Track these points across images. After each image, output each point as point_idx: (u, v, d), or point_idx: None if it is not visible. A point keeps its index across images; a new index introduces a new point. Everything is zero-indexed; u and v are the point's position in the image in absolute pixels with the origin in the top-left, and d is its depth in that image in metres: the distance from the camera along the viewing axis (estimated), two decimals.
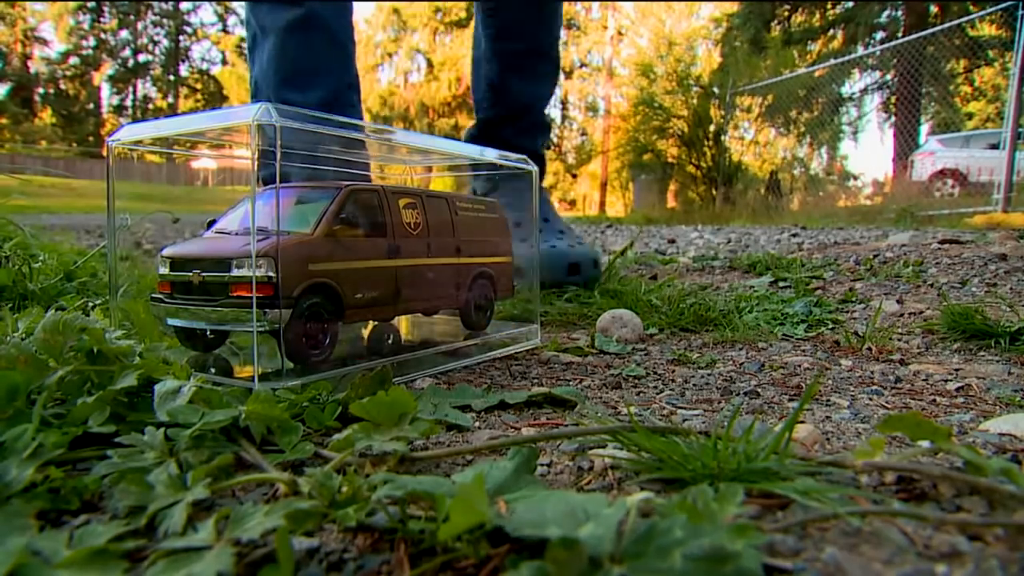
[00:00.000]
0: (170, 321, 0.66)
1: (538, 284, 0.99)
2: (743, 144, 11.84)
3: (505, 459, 0.39)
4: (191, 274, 0.63)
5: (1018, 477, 0.37)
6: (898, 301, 1.34)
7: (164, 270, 0.66)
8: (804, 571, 0.30)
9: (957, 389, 0.71)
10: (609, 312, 1.01)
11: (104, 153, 0.72)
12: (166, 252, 0.66)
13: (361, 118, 1.61)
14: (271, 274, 0.59)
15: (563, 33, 1.78)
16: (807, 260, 2.04)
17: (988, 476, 0.38)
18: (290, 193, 0.67)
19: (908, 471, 0.40)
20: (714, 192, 10.59)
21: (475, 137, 1.68)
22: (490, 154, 0.91)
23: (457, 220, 0.81)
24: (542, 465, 0.46)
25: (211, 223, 0.71)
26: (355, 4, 1.48)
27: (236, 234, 0.66)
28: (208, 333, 0.68)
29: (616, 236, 4.96)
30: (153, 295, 0.67)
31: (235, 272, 0.60)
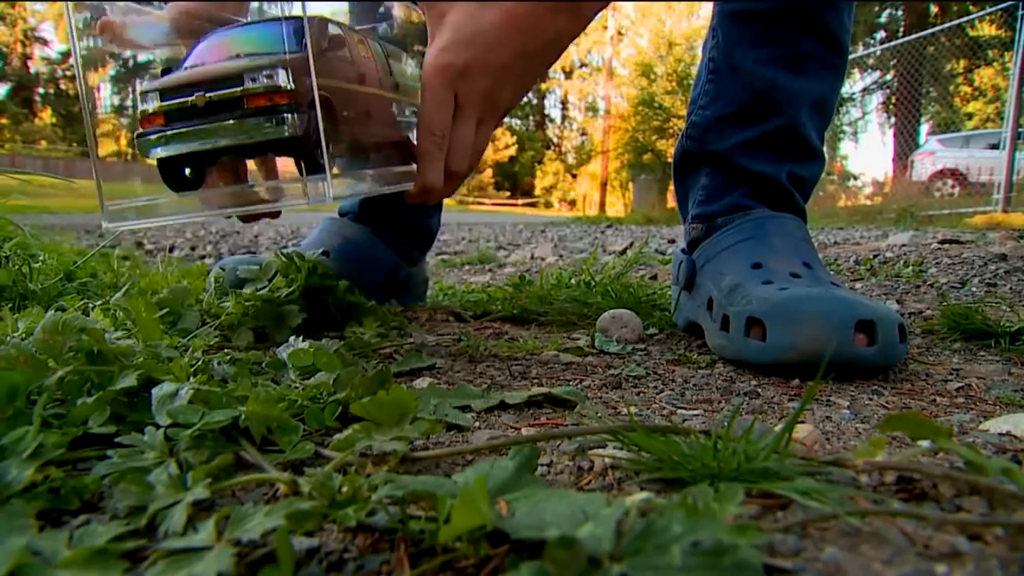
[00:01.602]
0: (161, 151, 0.66)
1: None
2: None
3: (506, 459, 0.39)
4: (193, 97, 0.63)
5: (1018, 477, 0.37)
6: (898, 301, 1.34)
7: (154, 103, 0.65)
8: (804, 571, 0.30)
9: (957, 389, 0.71)
10: (609, 312, 1.01)
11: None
12: (153, 85, 0.66)
13: None
14: (285, 83, 0.61)
15: None
16: None
17: (989, 476, 0.38)
18: (251, 27, 0.69)
19: (908, 471, 0.40)
20: None
21: (683, 155, 1.06)
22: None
23: (391, 62, 0.83)
24: (542, 465, 0.46)
25: (166, 71, 0.70)
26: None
27: (232, 57, 0.66)
28: (188, 173, 0.69)
29: (616, 236, 4.97)
30: (139, 132, 0.66)
31: (249, 84, 0.61)
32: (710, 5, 1.05)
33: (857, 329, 0.71)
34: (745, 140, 0.98)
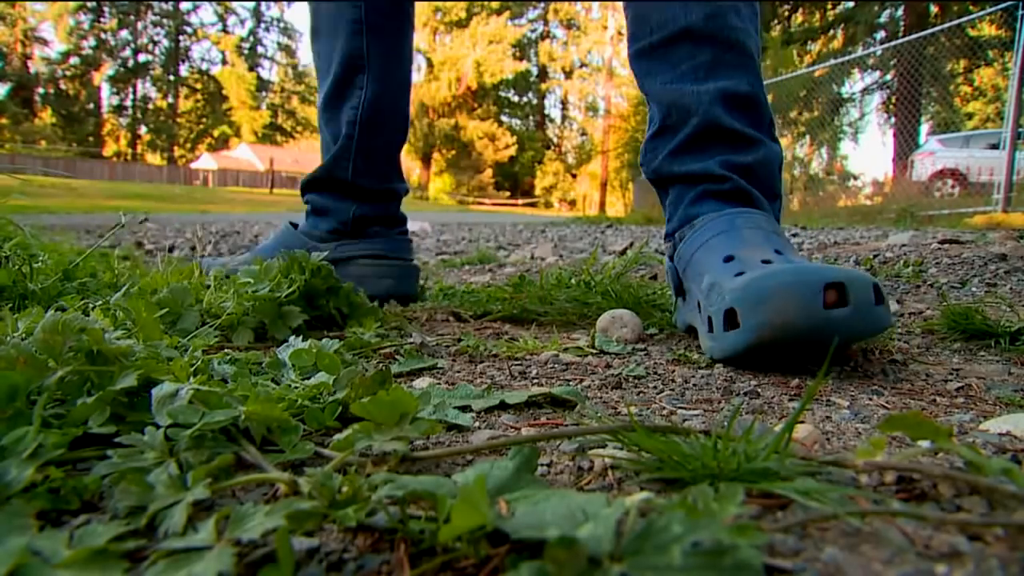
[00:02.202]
0: None
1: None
2: None
3: (506, 459, 0.39)
4: None
5: (1018, 477, 0.37)
6: (898, 301, 1.34)
7: None
8: (804, 571, 0.30)
9: (957, 389, 0.71)
10: (609, 312, 1.01)
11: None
12: None
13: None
14: None
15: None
16: None
17: (989, 476, 0.38)
18: None
19: (908, 471, 0.40)
20: None
21: (652, 178, 1.13)
22: None
23: None
24: (542, 465, 0.46)
25: None
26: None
27: None
28: None
29: (616, 236, 4.96)
30: None
31: None
32: None
33: (827, 291, 0.70)
34: (670, 150, 1.06)
